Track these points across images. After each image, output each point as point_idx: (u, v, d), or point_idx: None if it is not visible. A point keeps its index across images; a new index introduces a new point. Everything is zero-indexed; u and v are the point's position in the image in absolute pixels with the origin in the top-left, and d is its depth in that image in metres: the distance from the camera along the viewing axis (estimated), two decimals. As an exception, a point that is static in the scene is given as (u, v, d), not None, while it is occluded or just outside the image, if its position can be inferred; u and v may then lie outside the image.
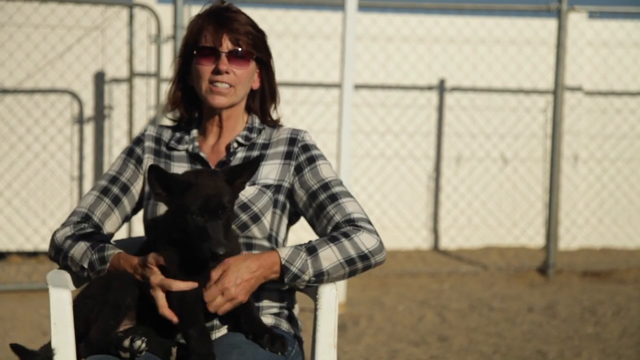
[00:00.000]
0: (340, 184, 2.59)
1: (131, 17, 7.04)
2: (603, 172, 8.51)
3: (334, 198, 2.54)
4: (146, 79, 7.39)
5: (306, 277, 2.41)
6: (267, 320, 2.54)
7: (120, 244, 2.63)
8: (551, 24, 8.17)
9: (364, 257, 2.45)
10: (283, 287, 2.45)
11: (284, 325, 2.58)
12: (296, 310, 2.66)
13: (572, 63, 8.28)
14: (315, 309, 2.44)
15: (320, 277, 2.43)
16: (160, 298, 2.35)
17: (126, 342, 2.23)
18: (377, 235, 2.50)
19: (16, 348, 2.38)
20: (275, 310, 2.58)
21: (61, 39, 7.34)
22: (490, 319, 6.09)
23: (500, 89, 8.35)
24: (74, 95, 7.45)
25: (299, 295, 2.66)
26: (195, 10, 7.31)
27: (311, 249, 2.43)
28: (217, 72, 2.57)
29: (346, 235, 2.46)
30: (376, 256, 2.47)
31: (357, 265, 2.45)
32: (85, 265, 2.50)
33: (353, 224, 2.49)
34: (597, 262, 7.89)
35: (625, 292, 6.94)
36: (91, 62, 7.45)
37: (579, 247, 8.45)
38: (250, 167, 2.40)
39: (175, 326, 2.36)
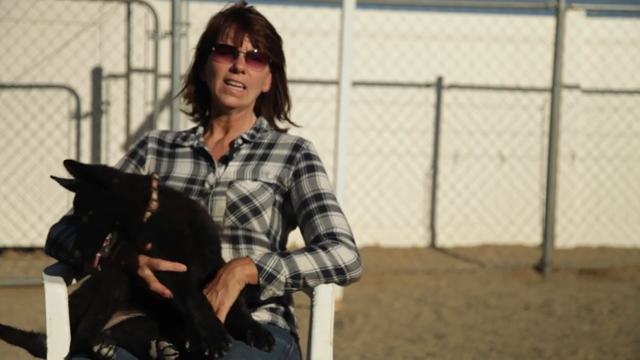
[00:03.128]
0: (334, 198, 2.59)
1: (129, 13, 7.04)
2: (600, 170, 8.52)
3: (323, 209, 2.55)
4: (144, 75, 7.38)
5: (282, 278, 2.40)
6: (264, 316, 2.55)
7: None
8: (549, 22, 8.17)
9: (339, 270, 2.45)
10: (262, 294, 2.40)
11: (281, 322, 2.58)
12: (293, 307, 2.67)
13: (570, 61, 8.28)
14: (312, 306, 2.45)
15: (297, 279, 2.41)
16: (149, 275, 2.34)
17: (95, 348, 2.22)
18: (356, 252, 2.49)
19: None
20: (271, 306, 2.58)
21: (59, 34, 7.33)
22: (486, 316, 6.10)
23: (497, 87, 8.35)
24: (72, 91, 7.44)
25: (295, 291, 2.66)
26: (193, 6, 7.33)
27: (284, 254, 2.44)
28: (233, 70, 2.59)
29: (324, 247, 2.47)
30: (352, 272, 2.46)
31: (333, 278, 2.45)
32: None
33: (334, 237, 2.49)
34: (593, 260, 7.90)
35: (621, 291, 6.95)
36: (89, 57, 7.44)
37: (576, 245, 8.46)
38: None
39: (172, 302, 2.33)
